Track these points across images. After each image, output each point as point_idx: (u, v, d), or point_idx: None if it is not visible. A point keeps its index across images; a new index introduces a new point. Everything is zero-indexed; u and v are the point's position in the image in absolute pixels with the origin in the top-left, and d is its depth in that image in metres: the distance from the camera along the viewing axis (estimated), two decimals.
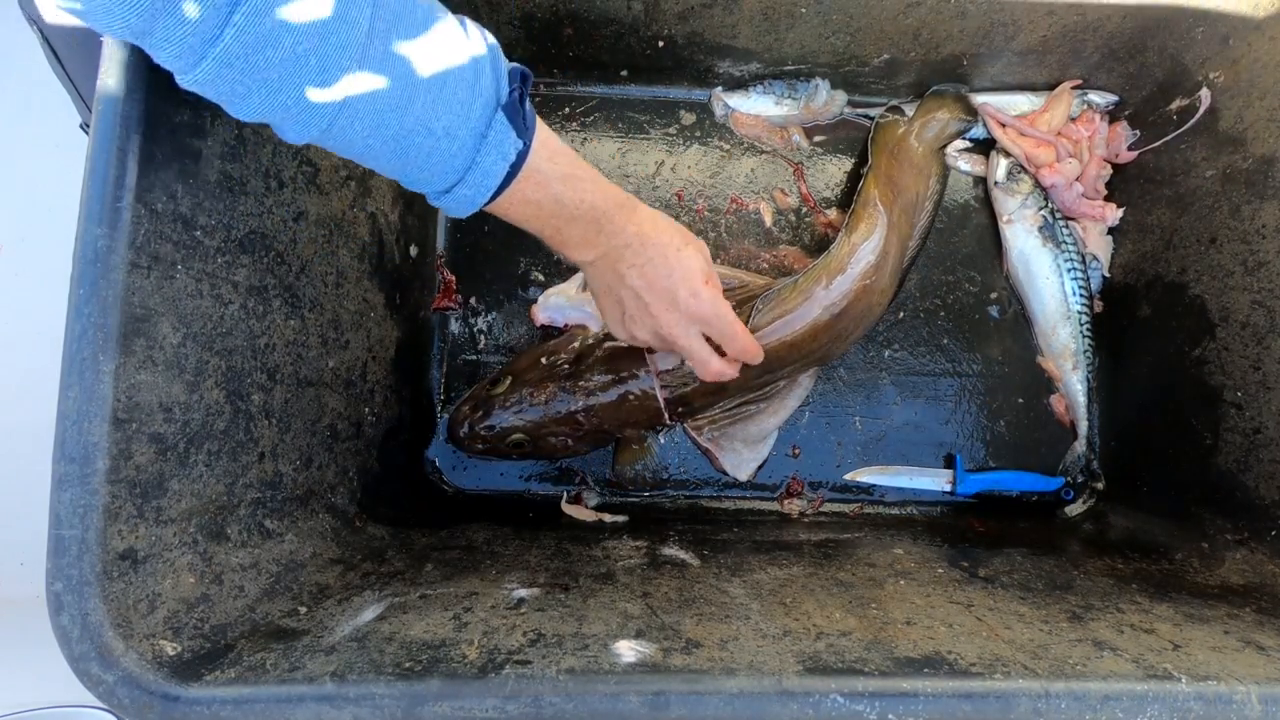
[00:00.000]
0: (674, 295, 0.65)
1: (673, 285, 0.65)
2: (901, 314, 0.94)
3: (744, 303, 0.82)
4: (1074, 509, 0.93)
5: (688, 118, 0.96)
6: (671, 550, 0.74)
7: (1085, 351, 0.92)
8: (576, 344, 0.84)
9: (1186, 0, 0.77)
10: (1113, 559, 0.78)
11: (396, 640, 0.51)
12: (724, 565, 0.70)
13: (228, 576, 0.55)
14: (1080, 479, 0.93)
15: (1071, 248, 0.92)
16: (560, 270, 0.92)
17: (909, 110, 0.94)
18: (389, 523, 0.76)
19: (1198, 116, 0.83)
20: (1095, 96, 0.92)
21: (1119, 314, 0.93)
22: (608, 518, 0.85)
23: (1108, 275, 0.95)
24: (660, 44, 0.88)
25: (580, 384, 0.81)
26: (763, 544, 0.78)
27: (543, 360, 0.83)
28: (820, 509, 0.91)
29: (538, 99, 0.94)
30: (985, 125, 0.94)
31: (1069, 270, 0.92)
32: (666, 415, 0.82)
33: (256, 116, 0.45)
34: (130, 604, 0.47)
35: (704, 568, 0.70)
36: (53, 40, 0.79)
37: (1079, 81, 0.92)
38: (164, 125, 0.50)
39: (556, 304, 0.90)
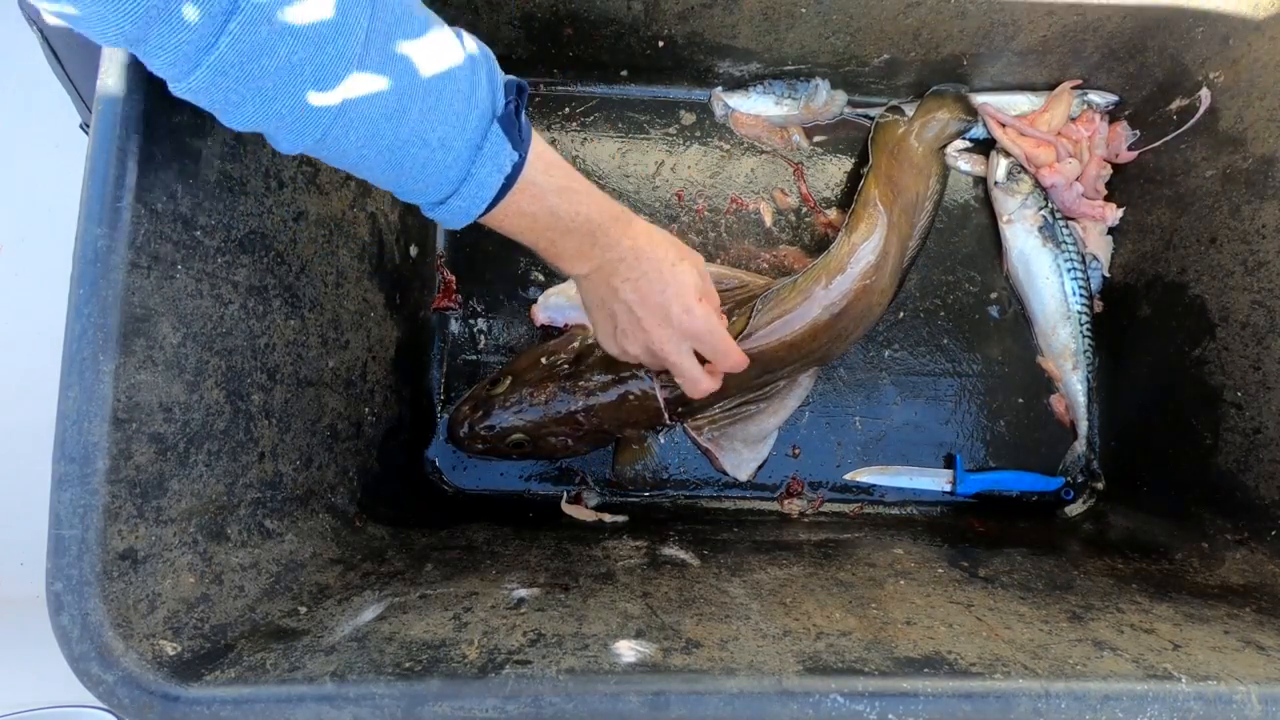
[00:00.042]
0: (667, 311, 0.65)
1: (666, 300, 0.64)
2: (901, 314, 0.94)
3: (744, 303, 0.82)
4: (1074, 509, 0.93)
5: (688, 118, 0.96)
6: (671, 550, 0.74)
7: (1085, 351, 0.92)
8: (576, 344, 0.84)
9: (1186, 0, 0.77)
10: (1113, 559, 0.78)
11: (396, 640, 0.51)
12: (724, 565, 0.70)
13: (228, 576, 0.55)
14: (1080, 479, 0.93)
15: (1071, 248, 0.92)
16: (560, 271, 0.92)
17: (909, 110, 0.94)
18: (389, 523, 0.76)
19: (1198, 116, 0.83)
20: (1095, 96, 0.92)
21: (1119, 314, 0.93)
22: (608, 518, 0.85)
23: (1108, 275, 0.95)
24: (660, 44, 0.88)
25: (580, 384, 0.81)
26: (763, 544, 0.78)
27: (543, 360, 0.83)
28: (820, 509, 0.91)
29: (537, 99, 0.94)
30: (985, 125, 0.94)
31: (1069, 270, 0.92)
32: (666, 415, 0.82)
33: (250, 125, 0.45)
34: (130, 604, 0.47)
35: (704, 568, 0.70)
36: (53, 40, 0.79)
37: (1079, 81, 0.92)
38: (164, 125, 0.50)
39: (556, 304, 0.90)
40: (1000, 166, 0.93)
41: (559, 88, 0.95)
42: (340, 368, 0.73)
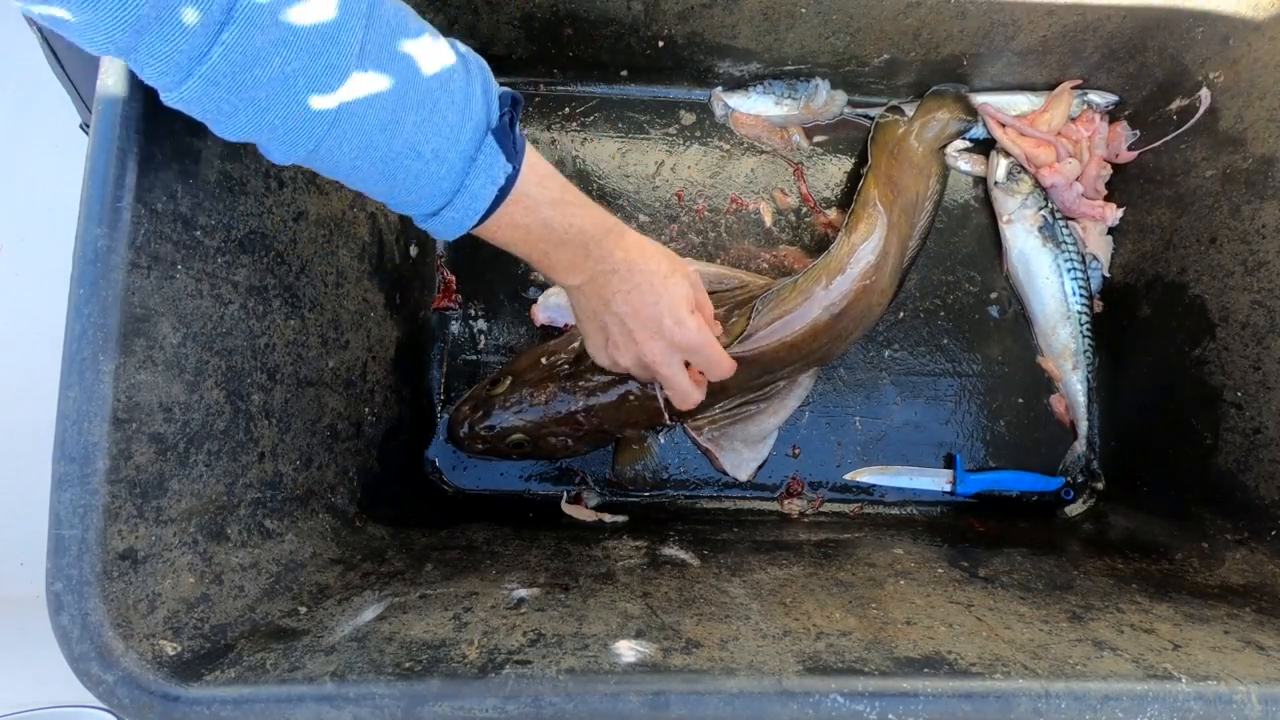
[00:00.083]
0: (659, 323, 0.65)
1: (658, 313, 0.64)
2: (901, 314, 0.94)
3: (744, 303, 0.82)
4: (1074, 509, 0.93)
5: (688, 118, 0.96)
6: (671, 550, 0.74)
7: (1085, 351, 0.92)
8: (576, 344, 0.84)
9: (1186, 0, 0.77)
10: (1113, 559, 0.78)
11: (396, 640, 0.51)
12: (724, 565, 0.70)
13: (228, 576, 0.55)
14: (1080, 479, 0.93)
15: (1071, 248, 0.92)
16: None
17: (909, 110, 0.94)
18: (389, 523, 0.76)
19: (1198, 116, 0.83)
20: (1095, 96, 0.92)
21: (1119, 314, 0.93)
22: (608, 518, 0.85)
23: (1108, 275, 0.95)
24: (660, 44, 0.88)
25: (580, 384, 0.81)
26: (763, 544, 0.78)
27: (543, 360, 0.83)
28: (820, 509, 0.91)
29: (537, 99, 0.94)
30: (985, 125, 0.94)
31: (1069, 270, 0.92)
32: (666, 415, 0.82)
33: (242, 136, 0.45)
34: (130, 604, 0.47)
35: (704, 568, 0.70)
36: (53, 40, 0.79)
37: (1079, 81, 0.92)
38: (164, 125, 0.50)
39: (556, 304, 0.90)
40: (1000, 166, 0.93)
41: (559, 88, 0.95)
42: (340, 368, 0.73)
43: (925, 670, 0.49)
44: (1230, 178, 0.80)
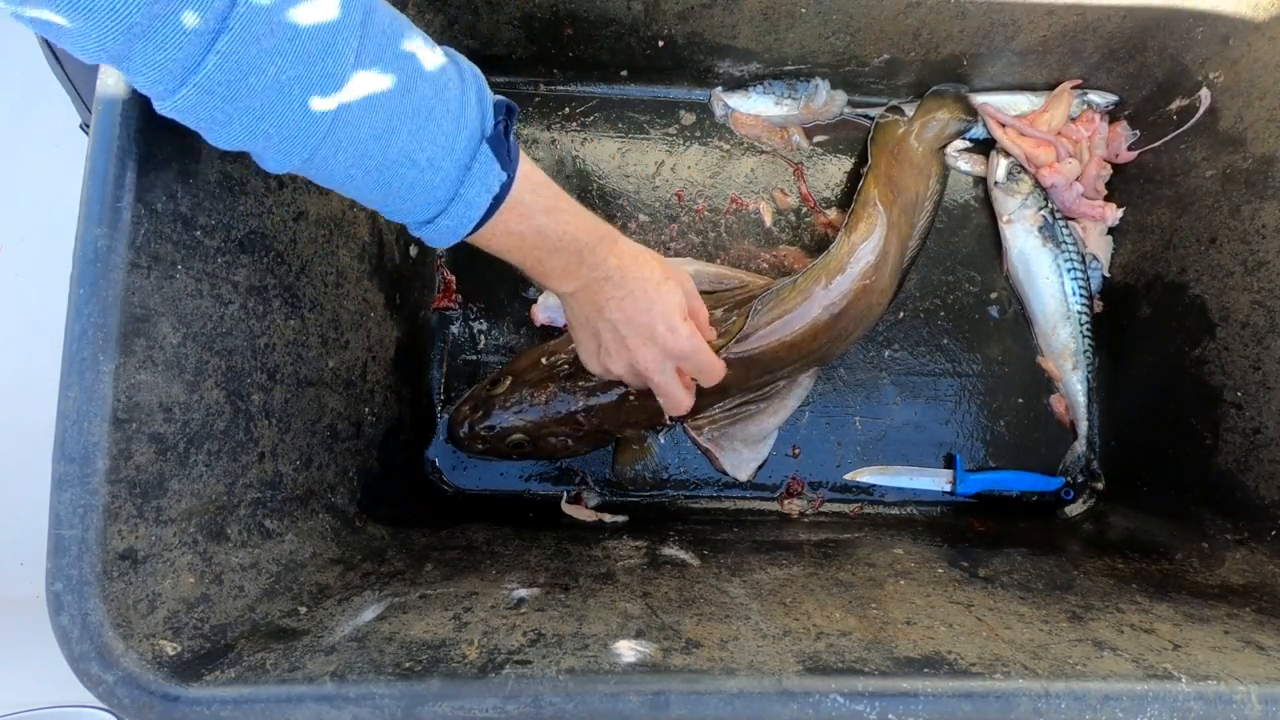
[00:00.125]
0: (652, 330, 0.65)
1: (651, 320, 0.65)
2: (901, 314, 0.94)
3: (743, 303, 0.82)
4: (1074, 509, 0.93)
5: (688, 118, 0.96)
6: (671, 550, 0.74)
7: (1085, 351, 0.92)
8: None
9: (1186, 0, 0.77)
10: (1113, 559, 0.78)
11: (396, 640, 0.51)
12: (724, 565, 0.70)
13: (228, 576, 0.55)
14: (1080, 479, 0.93)
15: (1071, 248, 0.92)
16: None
17: (909, 110, 0.94)
18: (389, 523, 0.76)
19: (1198, 116, 0.83)
20: (1095, 96, 0.92)
21: (1119, 314, 0.93)
22: (608, 518, 0.85)
23: (1108, 275, 0.95)
24: (660, 44, 0.88)
25: (580, 384, 0.81)
26: (763, 544, 0.78)
27: (543, 360, 0.83)
28: (820, 509, 0.91)
29: (537, 99, 0.94)
30: (985, 125, 0.94)
31: (1069, 270, 0.92)
32: (667, 415, 0.82)
33: (237, 144, 0.44)
34: (130, 604, 0.47)
35: (704, 568, 0.70)
36: (52, 41, 0.79)
37: (1079, 81, 0.92)
38: (164, 125, 0.50)
39: (556, 304, 0.90)
40: (1000, 166, 0.93)
41: (559, 88, 0.95)
42: (340, 368, 0.73)
43: (925, 670, 0.49)
44: (1230, 178, 0.80)
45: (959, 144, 0.96)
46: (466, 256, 0.93)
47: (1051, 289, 0.92)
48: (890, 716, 0.46)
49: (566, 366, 0.82)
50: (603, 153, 0.94)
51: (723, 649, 0.51)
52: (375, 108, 0.46)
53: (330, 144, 0.45)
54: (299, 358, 0.66)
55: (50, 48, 0.82)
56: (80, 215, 0.47)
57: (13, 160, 1.07)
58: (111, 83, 0.48)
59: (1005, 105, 0.94)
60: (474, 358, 0.92)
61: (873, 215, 0.86)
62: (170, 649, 0.48)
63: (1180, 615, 0.62)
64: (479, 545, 0.74)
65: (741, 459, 0.89)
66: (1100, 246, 0.94)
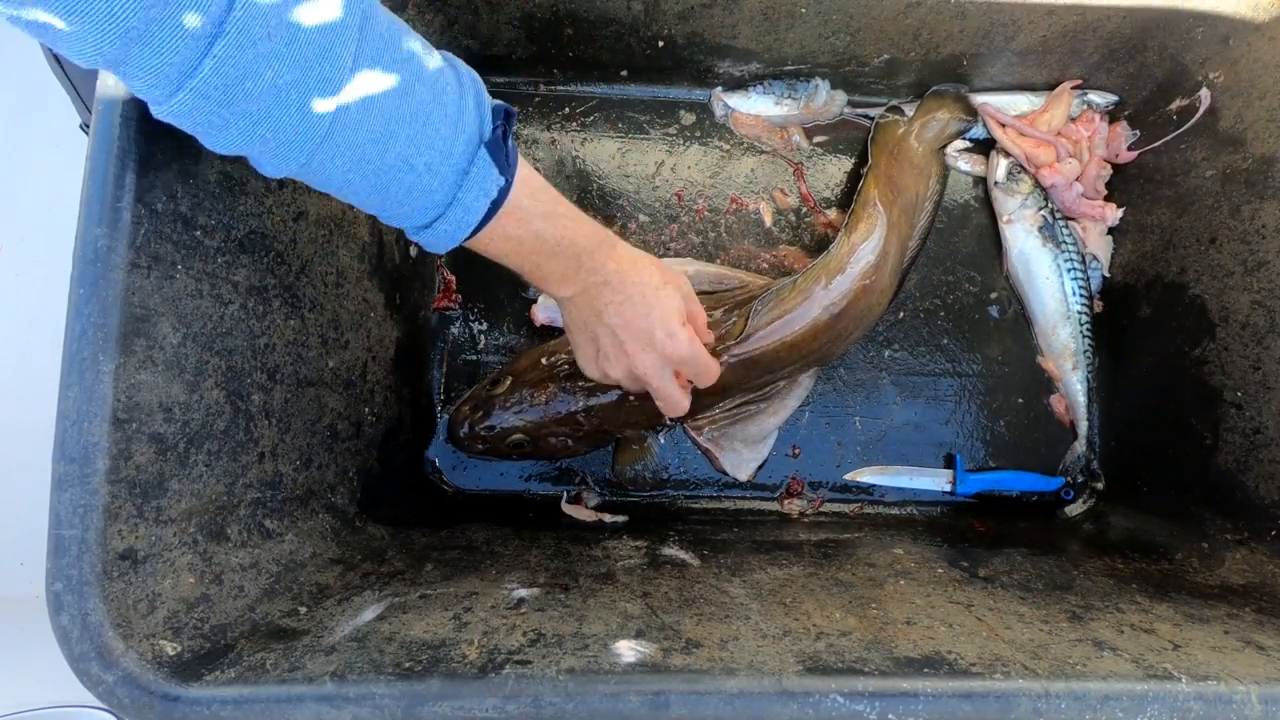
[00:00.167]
0: (651, 335, 0.65)
1: (650, 325, 0.64)
2: (901, 314, 0.94)
3: (744, 303, 0.82)
4: (1074, 509, 0.93)
5: (688, 118, 0.96)
6: (671, 550, 0.74)
7: (1085, 351, 0.92)
8: None
9: (1186, 1, 0.77)
10: (1113, 559, 0.78)
11: (396, 640, 0.51)
12: (724, 565, 0.70)
13: (228, 576, 0.55)
14: (1080, 479, 0.93)
15: (1071, 248, 0.92)
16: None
17: (909, 110, 0.94)
18: (389, 523, 0.76)
19: (1198, 116, 0.83)
20: (1095, 96, 0.92)
21: (1119, 314, 0.93)
22: (608, 518, 0.85)
23: (1108, 275, 0.95)
24: (660, 44, 0.88)
25: (580, 384, 0.81)
26: (763, 544, 0.78)
27: (543, 360, 0.83)
28: (820, 509, 0.91)
29: (537, 99, 0.94)
30: (985, 125, 0.94)
31: (1069, 270, 0.92)
32: (666, 415, 0.82)
33: (234, 149, 0.44)
34: (130, 604, 0.47)
35: (704, 568, 0.70)
36: (50, 46, 0.79)
37: (1079, 81, 0.92)
38: (164, 125, 0.50)
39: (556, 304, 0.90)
40: (1000, 166, 0.93)
41: (559, 88, 0.95)
42: (340, 368, 0.73)
43: (925, 670, 0.49)
44: (1230, 178, 0.80)
45: (959, 144, 0.96)
46: (466, 257, 0.91)
47: (1051, 289, 0.92)
48: (890, 716, 0.46)
49: (566, 367, 0.82)
50: (603, 153, 0.94)
51: (723, 649, 0.51)
52: (373, 112, 0.46)
53: (328, 148, 0.45)
54: (299, 358, 0.66)
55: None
56: (80, 215, 0.47)
57: (13, 160, 1.07)
58: (111, 83, 0.48)
59: (1005, 105, 0.94)
60: (474, 358, 0.92)
61: (873, 215, 0.86)
62: (170, 649, 0.48)
63: (1180, 615, 0.62)
64: (479, 545, 0.74)
65: (741, 459, 0.89)
66: (1100, 246, 0.94)
